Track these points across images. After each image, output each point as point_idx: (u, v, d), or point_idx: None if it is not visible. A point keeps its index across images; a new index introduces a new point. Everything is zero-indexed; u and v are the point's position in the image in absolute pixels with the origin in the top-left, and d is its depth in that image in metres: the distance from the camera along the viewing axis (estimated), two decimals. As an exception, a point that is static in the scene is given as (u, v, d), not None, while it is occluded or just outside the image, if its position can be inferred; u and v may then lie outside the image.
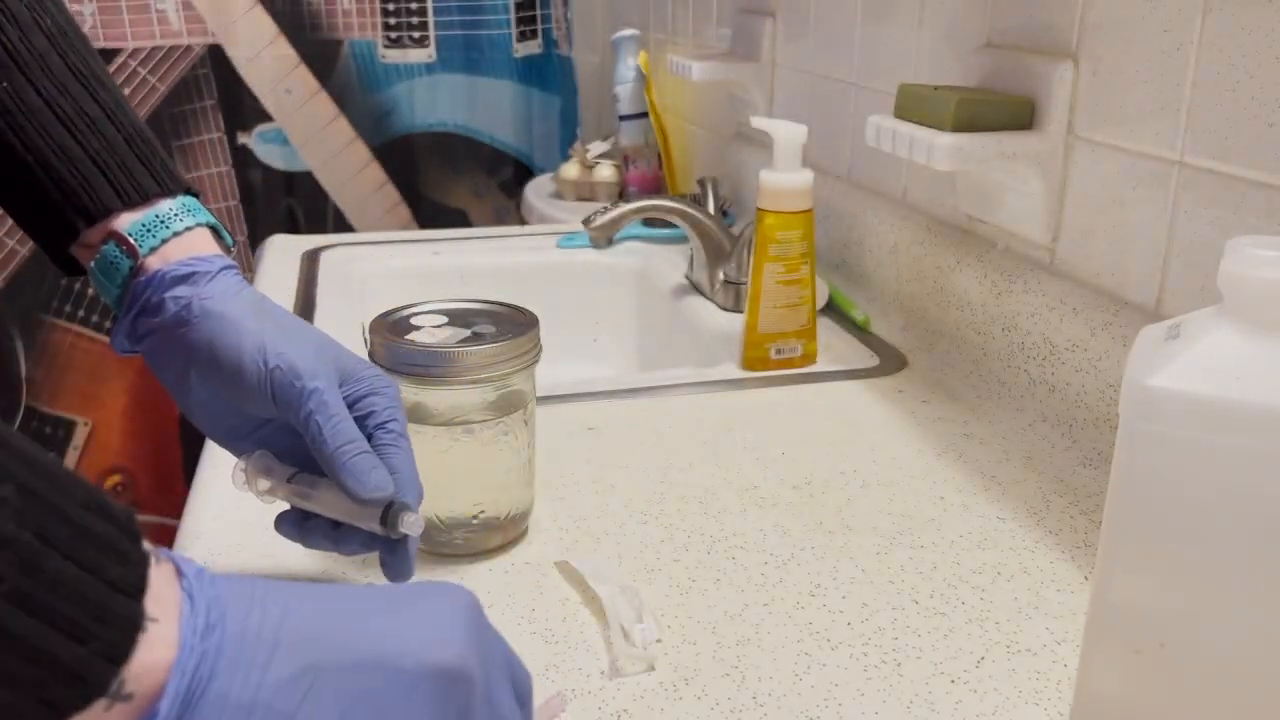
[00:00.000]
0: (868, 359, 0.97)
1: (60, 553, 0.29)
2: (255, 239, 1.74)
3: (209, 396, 0.55)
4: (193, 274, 0.54)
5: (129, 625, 0.30)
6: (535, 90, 1.92)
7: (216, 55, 1.70)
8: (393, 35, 1.79)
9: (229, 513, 0.68)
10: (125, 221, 0.55)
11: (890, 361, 0.96)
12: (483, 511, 0.64)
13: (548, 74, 1.94)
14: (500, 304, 0.67)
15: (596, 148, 1.66)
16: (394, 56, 1.80)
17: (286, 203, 1.81)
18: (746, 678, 0.54)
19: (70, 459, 1.73)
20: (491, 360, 0.61)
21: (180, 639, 0.32)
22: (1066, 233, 0.83)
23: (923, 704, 0.53)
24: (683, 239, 1.24)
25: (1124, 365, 0.41)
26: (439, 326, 0.64)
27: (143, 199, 0.55)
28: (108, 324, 1.42)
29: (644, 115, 1.57)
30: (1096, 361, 0.77)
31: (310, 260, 1.27)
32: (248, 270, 1.73)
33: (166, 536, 0.58)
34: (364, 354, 0.61)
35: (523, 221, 1.73)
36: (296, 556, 0.62)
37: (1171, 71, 0.71)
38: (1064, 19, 0.80)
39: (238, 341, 0.53)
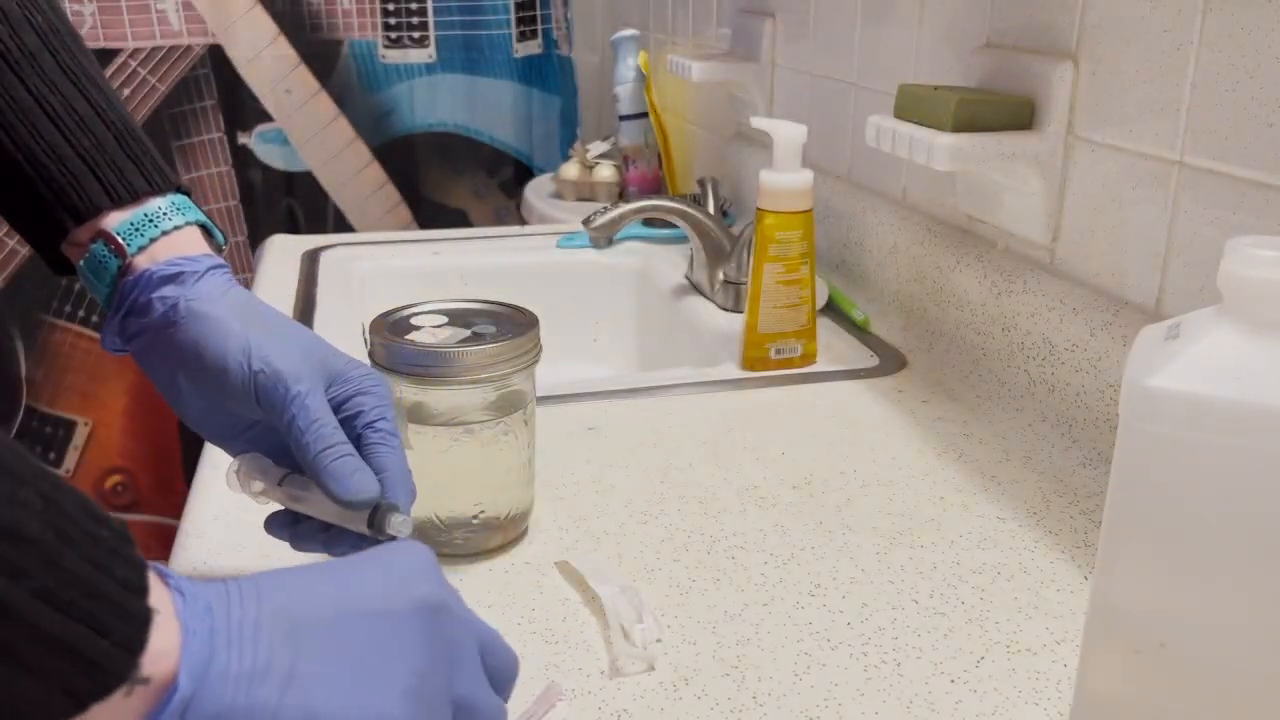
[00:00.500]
0: (867, 359, 0.97)
1: (77, 554, 0.31)
2: (255, 239, 1.74)
3: (198, 398, 0.54)
4: (180, 274, 0.54)
5: (142, 619, 0.32)
6: (535, 90, 1.92)
7: (216, 55, 1.70)
8: (393, 35, 1.79)
9: (229, 513, 0.68)
10: (114, 220, 0.54)
11: (890, 361, 0.96)
12: (483, 511, 0.64)
13: (548, 74, 1.94)
14: (500, 304, 0.67)
15: (596, 148, 1.66)
16: (394, 56, 1.80)
17: (286, 203, 1.81)
18: (746, 678, 0.55)
19: (70, 459, 1.73)
20: (491, 360, 0.61)
21: (181, 626, 0.34)
22: (1066, 233, 0.83)
23: (923, 704, 0.53)
24: (683, 239, 1.24)
25: (1124, 365, 0.41)
26: (439, 326, 0.64)
27: (132, 197, 0.55)
28: (108, 324, 1.41)
29: (644, 115, 1.57)
30: (1096, 361, 0.77)
31: (310, 260, 1.27)
32: (247, 270, 1.74)
33: (166, 536, 0.58)
34: (364, 354, 0.61)
35: (523, 221, 1.73)
36: (295, 557, 0.62)
37: (1171, 71, 0.71)
38: (1064, 19, 0.80)
39: (223, 344, 0.52)
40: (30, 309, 1.69)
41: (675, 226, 1.21)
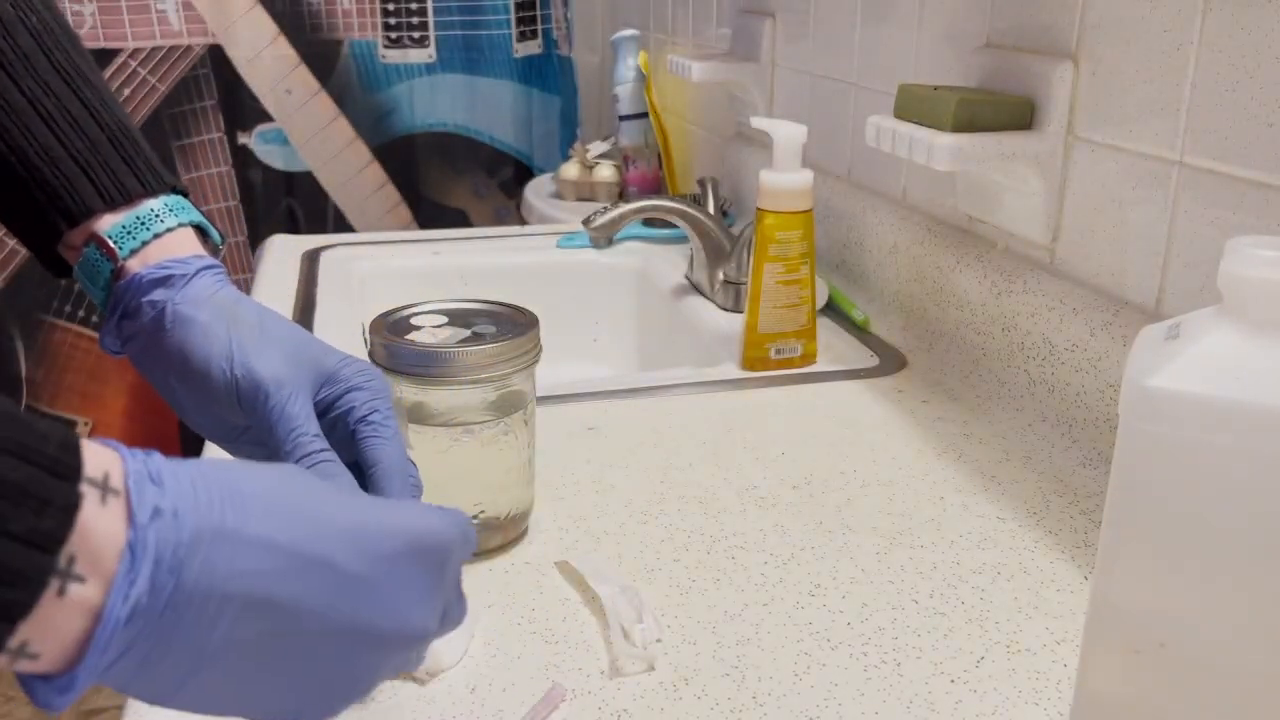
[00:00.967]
0: (867, 359, 0.97)
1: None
2: (255, 239, 1.74)
3: (191, 402, 0.54)
4: (169, 277, 0.53)
5: (36, 583, 0.29)
6: (535, 90, 1.92)
7: (216, 55, 1.70)
8: (393, 35, 1.79)
9: (229, 513, 0.68)
10: (106, 223, 0.54)
11: (890, 361, 0.96)
12: (483, 511, 0.64)
13: (548, 74, 1.94)
14: (500, 304, 0.67)
15: (596, 148, 1.66)
16: (394, 57, 1.80)
17: (286, 203, 1.81)
18: (746, 677, 0.55)
19: (70, 459, 1.73)
20: (491, 360, 0.61)
21: (107, 605, 0.30)
22: (1066, 233, 0.83)
23: (923, 704, 0.53)
24: (683, 239, 1.24)
25: (1124, 365, 0.41)
26: (439, 326, 0.64)
27: (126, 199, 0.54)
28: (108, 324, 1.41)
29: (644, 115, 1.57)
30: (1096, 361, 0.77)
31: (310, 260, 1.27)
32: (247, 271, 1.74)
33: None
34: (363, 354, 0.61)
35: (523, 221, 1.73)
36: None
37: (1171, 71, 0.71)
38: (1064, 19, 0.80)
39: (207, 350, 0.52)
40: (30, 309, 1.69)
41: (675, 226, 1.21)
